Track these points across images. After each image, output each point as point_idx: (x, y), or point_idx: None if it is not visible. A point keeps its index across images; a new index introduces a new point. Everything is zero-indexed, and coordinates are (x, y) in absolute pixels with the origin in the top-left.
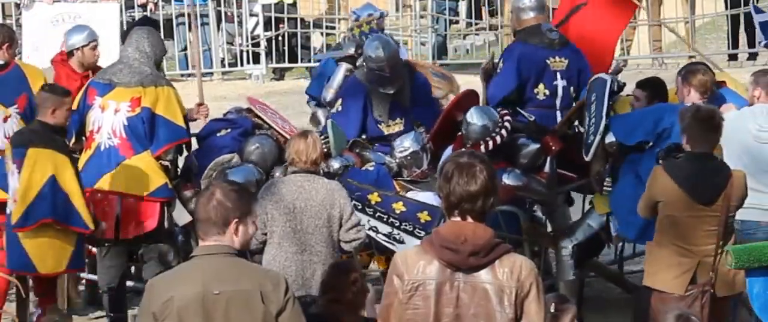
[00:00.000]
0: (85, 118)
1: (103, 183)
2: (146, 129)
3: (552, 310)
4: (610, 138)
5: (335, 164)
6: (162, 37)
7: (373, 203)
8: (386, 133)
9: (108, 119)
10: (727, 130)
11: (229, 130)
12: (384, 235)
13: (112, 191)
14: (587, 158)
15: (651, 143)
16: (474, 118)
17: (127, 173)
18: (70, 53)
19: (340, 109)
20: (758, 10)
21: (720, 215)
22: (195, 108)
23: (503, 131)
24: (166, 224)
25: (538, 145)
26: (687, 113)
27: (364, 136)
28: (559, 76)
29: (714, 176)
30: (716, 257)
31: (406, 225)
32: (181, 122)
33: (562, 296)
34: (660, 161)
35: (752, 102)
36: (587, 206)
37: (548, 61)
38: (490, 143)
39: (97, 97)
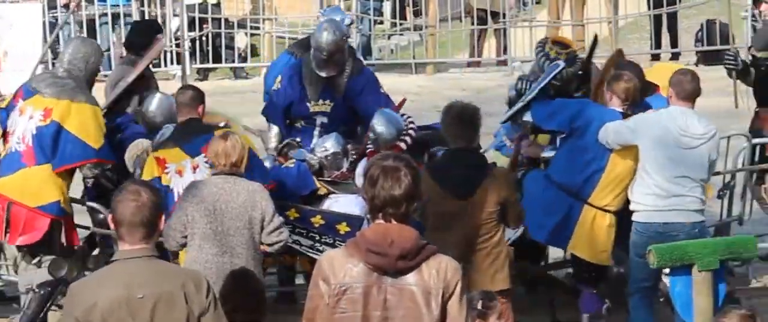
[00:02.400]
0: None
1: None
2: (50, 142)
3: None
4: (528, 117)
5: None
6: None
7: (291, 219)
8: (311, 110)
9: (22, 124)
10: (644, 129)
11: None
12: (307, 247)
13: (2, 196)
14: (500, 123)
15: (564, 134)
16: (382, 127)
17: (23, 181)
18: None
19: (278, 87)
20: None
21: (477, 211)
22: None
23: (411, 131)
24: (61, 240)
25: None
26: (443, 111)
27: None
28: None
29: (470, 170)
30: (469, 251)
31: (326, 238)
32: (92, 142)
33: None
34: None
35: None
36: None
37: None
38: (403, 145)
39: (21, 100)
